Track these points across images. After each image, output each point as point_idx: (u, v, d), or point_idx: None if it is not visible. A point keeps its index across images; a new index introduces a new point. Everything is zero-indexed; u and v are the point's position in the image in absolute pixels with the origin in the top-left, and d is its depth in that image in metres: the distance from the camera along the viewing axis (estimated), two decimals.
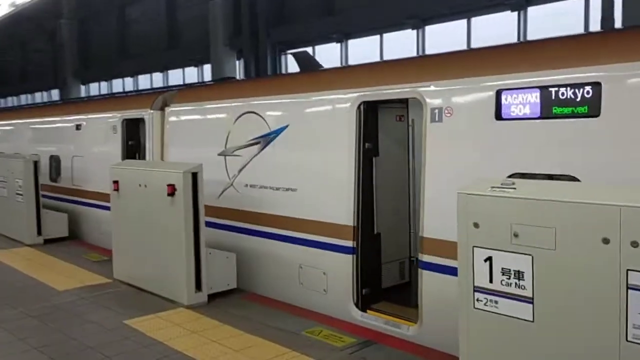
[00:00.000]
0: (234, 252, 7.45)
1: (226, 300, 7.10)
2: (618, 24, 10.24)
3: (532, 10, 12.73)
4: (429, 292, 5.68)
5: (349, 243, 6.43)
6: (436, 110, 5.51)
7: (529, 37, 12.65)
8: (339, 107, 6.50)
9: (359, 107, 6.32)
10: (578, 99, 4.55)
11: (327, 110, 6.71)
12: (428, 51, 14.84)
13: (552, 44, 5.11)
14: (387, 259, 6.97)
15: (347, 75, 6.82)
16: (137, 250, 7.65)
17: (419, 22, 14.65)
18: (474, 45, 13.62)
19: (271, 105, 7.44)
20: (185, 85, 12.97)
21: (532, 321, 3.72)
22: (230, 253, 7.37)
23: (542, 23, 12.36)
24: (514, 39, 12.76)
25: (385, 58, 15.59)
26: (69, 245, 10.69)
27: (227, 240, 7.94)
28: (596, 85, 4.44)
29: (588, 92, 4.48)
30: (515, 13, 12.83)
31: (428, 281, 5.67)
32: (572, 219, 3.47)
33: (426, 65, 5.95)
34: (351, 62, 16.79)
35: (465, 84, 5.31)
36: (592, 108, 4.48)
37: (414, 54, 14.90)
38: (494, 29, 13.26)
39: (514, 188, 3.82)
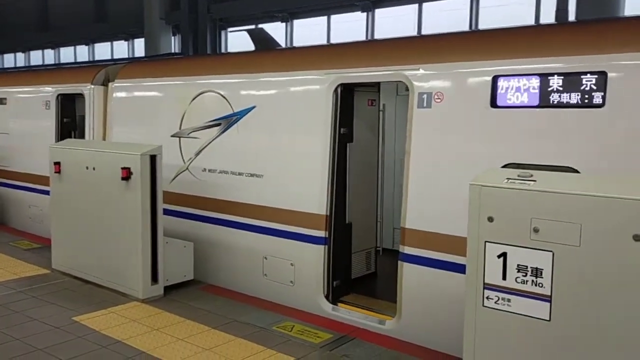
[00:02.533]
0: (191, 242, 6.94)
1: (184, 293, 6.60)
2: (572, 16, 10.40)
3: None
4: (409, 286, 5.45)
5: (321, 233, 6.09)
6: (424, 96, 5.24)
7: (481, 27, 12.69)
8: (314, 88, 6.10)
9: (335, 89, 5.96)
10: (581, 88, 4.41)
11: (300, 91, 6.30)
12: (377, 36, 14.61)
13: (556, 30, 4.95)
14: (355, 249, 6.71)
15: (324, 54, 6.42)
16: (81, 239, 6.97)
17: (368, 4, 14.36)
18: (424, 31, 13.54)
19: (235, 84, 6.92)
20: (132, 58, 12.09)
21: (549, 320, 3.55)
22: (187, 242, 6.86)
23: (494, 12, 12.42)
24: (466, 27, 12.76)
25: (333, 41, 15.26)
26: None
27: (179, 228, 7.39)
28: (601, 75, 4.31)
29: (592, 81, 4.35)
30: (468, 1, 12.84)
31: (409, 274, 5.44)
32: (601, 214, 3.30)
33: (414, 47, 5.65)
34: (296, 44, 16.31)
35: (459, 68, 5.07)
36: (596, 98, 4.35)
37: (362, 37, 14.63)
38: (445, 15, 13.21)
39: (534, 180, 3.62)
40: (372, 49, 6.04)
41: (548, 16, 11.09)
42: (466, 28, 12.80)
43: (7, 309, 6.02)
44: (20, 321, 5.68)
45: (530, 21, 11.69)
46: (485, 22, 12.49)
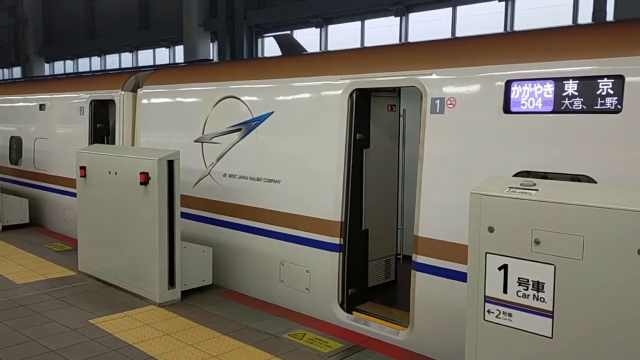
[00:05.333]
0: (210, 246, 6.97)
1: (201, 298, 6.64)
2: (610, 17, 10.01)
3: (519, 1, 12.43)
4: (422, 296, 5.31)
5: (336, 240, 6.02)
6: (437, 101, 5.11)
7: (516, 29, 12.36)
8: (330, 94, 6.05)
9: (351, 94, 5.88)
10: (597, 93, 4.20)
11: (316, 96, 6.25)
12: (411, 40, 14.44)
13: (570, 32, 4.75)
14: (373, 256, 6.60)
15: (339, 59, 6.36)
16: (104, 242, 7.11)
17: (402, 8, 14.21)
18: (458, 35, 13.29)
19: (254, 90, 6.93)
20: (159, 66, 12.32)
21: (551, 337, 3.38)
22: (206, 247, 6.89)
23: (530, 15, 12.08)
24: (501, 30, 12.45)
25: (367, 45, 15.16)
26: (30, 232, 10.05)
27: (201, 233, 7.45)
28: (618, 79, 4.09)
29: (609, 86, 4.14)
30: (503, 3, 12.53)
31: (422, 284, 5.30)
32: (604, 227, 3.12)
33: (428, 52, 5.53)
34: (330, 48, 16.28)
35: (472, 72, 4.92)
36: (612, 103, 4.14)
37: (396, 41, 14.47)
38: (480, 19, 12.92)
39: (536, 190, 3.46)
40: (386, 53, 5.94)
41: (586, 18, 10.70)
42: (501, 31, 12.48)
43: (29, 309, 6.18)
44: (39, 322, 5.81)
45: (568, 23, 11.31)
46: (522, 26, 12.14)
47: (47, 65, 29.93)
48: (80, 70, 27.27)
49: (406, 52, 5.77)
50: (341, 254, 6.01)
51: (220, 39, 18.11)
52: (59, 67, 29.48)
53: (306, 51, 8.88)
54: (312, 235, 6.19)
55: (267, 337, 5.49)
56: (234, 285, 7.09)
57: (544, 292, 3.37)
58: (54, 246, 9.06)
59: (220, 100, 7.31)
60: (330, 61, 6.45)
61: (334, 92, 6.00)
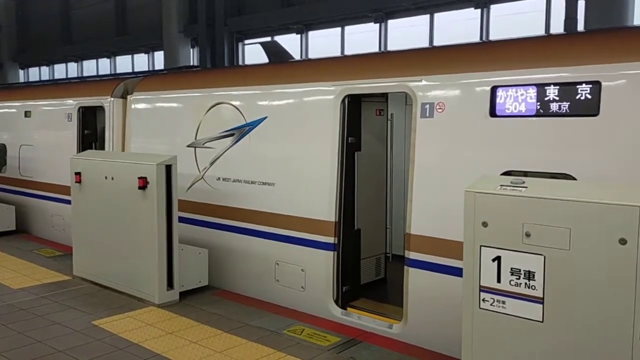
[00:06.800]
0: (206, 248, 7.18)
1: (198, 298, 6.83)
2: (580, 24, 10.50)
3: (494, 8, 12.90)
4: (414, 290, 5.61)
5: (330, 239, 6.28)
6: (427, 106, 5.42)
7: (492, 37, 12.83)
8: (323, 99, 6.32)
9: (343, 100, 6.17)
10: (576, 98, 4.55)
11: (309, 102, 6.52)
12: (390, 46, 14.81)
13: (551, 42, 5.11)
14: (365, 255, 6.89)
15: (332, 66, 6.64)
16: (101, 246, 7.25)
17: (382, 15, 14.59)
18: (436, 41, 13.71)
19: (247, 96, 7.17)
20: (150, 72, 12.43)
21: (542, 321, 3.69)
22: (202, 249, 7.10)
23: (504, 22, 12.56)
24: (477, 37, 12.90)
25: (347, 52, 15.50)
26: (18, 239, 10.09)
27: (195, 235, 7.64)
28: (595, 84, 4.45)
29: (587, 91, 4.50)
30: (478, 10, 12.98)
31: (414, 279, 5.60)
32: (588, 219, 3.45)
33: (417, 59, 5.85)
34: (311, 54, 16.57)
35: (459, 79, 5.25)
36: (590, 107, 4.49)
37: (376, 48, 14.84)
38: (457, 25, 13.37)
39: (525, 187, 3.77)
40: (377, 61, 6.24)
41: (558, 25, 11.18)
42: (477, 38, 12.94)
43: (30, 313, 6.30)
44: (43, 324, 5.95)
45: (541, 30, 11.78)
46: (497, 32, 12.62)
47: (21, 72, 29.60)
48: (57, 76, 27.03)
49: (397, 60, 6.08)
50: (336, 252, 6.27)
51: (200, 45, 18.26)
52: (34, 73, 29.18)
53: (292, 58, 9.14)
54: (307, 235, 6.44)
55: (268, 334, 5.72)
56: (229, 285, 7.30)
57: (534, 280, 3.68)
58: (44, 252, 9.14)
59: (213, 106, 7.52)
60: (323, 68, 6.72)
61: (326, 97, 6.28)
